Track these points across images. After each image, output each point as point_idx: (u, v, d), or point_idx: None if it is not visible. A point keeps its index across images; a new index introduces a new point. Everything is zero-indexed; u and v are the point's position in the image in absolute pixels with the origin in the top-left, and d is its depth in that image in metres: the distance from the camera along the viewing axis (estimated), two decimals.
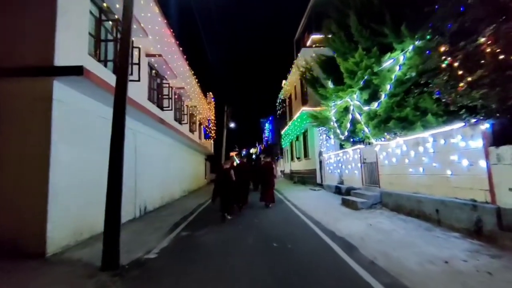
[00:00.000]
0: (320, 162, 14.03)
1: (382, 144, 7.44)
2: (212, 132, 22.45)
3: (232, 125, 23.17)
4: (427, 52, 5.30)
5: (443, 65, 4.72)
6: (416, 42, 5.85)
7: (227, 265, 3.79)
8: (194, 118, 16.86)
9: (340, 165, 10.89)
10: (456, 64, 4.43)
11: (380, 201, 7.53)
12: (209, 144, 22.31)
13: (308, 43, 15.28)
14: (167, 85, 10.75)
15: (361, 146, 8.91)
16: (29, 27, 4.51)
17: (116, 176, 3.86)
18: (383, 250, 4.05)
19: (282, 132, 22.68)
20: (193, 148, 17.02)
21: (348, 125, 8.37)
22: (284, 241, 4.82)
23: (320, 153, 14.08)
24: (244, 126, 68.83)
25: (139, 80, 7.34)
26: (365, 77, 6.91)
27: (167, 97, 10.70)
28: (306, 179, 16.66)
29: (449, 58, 4.56)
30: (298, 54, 15.03)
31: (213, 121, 22.64)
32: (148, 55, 9.09)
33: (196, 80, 14.56)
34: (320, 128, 13.34)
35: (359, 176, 9.06)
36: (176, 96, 13.11)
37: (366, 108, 7.50)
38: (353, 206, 7.69)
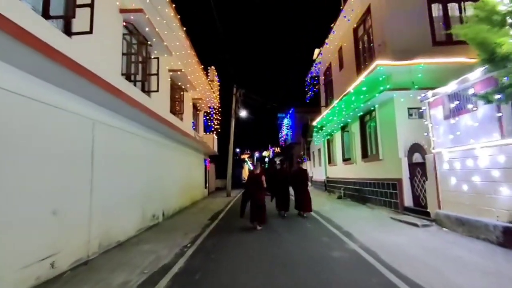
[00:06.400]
0: (418, 165, 7.17)
1: None
2: (215, 122, 15.91)
3: (243, 113, 16.62)
4: None
5: None
6: None
7: None
8: (180, 93, 10.30)
9: None
10: None
11: None
12: (211, 140, 15.85)
13: None
14: None
15: None
16: None
17: None
18: None
19: (315, 123, 15.91)
20: (182, 143, 10.59)
21: None
22: None
23: (415, 149, 7.24)
24: (256, 126, 61.70)
25: None
26: None
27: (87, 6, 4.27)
28: (369, 195, 9.81)
29: None
30: None
31: (217, 108, 16.18)
32: None
33: (180, 21, 8.11)
34: (423, 95, 6.56)
35: None
36: (134, 38, 6.72)
37: None
38: None
